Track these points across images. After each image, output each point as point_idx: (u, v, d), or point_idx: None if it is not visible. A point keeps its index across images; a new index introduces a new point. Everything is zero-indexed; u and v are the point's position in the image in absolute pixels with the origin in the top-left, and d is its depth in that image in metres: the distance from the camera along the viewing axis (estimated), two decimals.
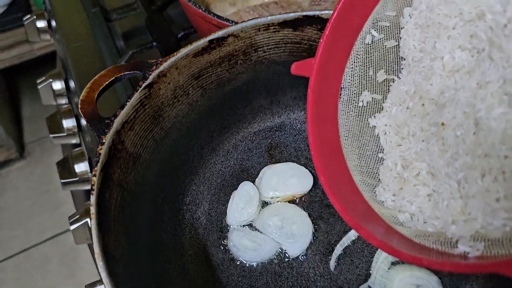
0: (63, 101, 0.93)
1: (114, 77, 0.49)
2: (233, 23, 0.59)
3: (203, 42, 0.52)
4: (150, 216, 0.48)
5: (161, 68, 0.49)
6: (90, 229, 0.68)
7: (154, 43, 0.77)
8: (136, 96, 0.47)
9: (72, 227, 0.68)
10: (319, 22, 0.54)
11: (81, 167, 0.77)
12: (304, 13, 0.54)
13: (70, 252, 1.91)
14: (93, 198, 0.40)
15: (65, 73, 0.93)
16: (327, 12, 0.53)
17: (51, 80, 0.90)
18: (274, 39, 0.55)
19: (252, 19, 0.53)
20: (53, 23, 0.98)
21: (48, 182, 2.09)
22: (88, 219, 0.68)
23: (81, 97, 0.47)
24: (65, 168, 0.78)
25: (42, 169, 2.13)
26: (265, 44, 0.55)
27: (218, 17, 0.61)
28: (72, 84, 0.87)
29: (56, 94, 0.91)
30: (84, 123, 0.79)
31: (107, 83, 0.48)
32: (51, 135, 0.85)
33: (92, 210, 0.39)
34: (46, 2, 1.02)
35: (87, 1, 0.89)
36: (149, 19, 0.81)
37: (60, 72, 0.92)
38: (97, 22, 0.86)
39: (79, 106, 0.46)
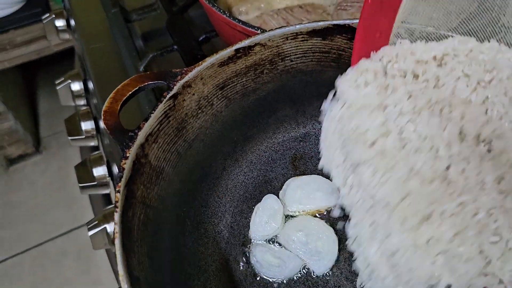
0: (82, 102, 0.92)
1: (137, 87, 0.47)
2: (259, 30, 0.58)
3: (229, 51, 0.50)
4: (172, 232, 0.47)
5: (186, 78, 0.48)
6: (108, 235, 0.67)
7: (175, 46, 0.76)
8: (161, 107, 0.45)
9: (90, 233, 0.67)
10: (349, 31, 0.52)
11: (99, 171, 0.76)
12: (334, 22, 0.52)
13: (86, 248, 1.91)
14: (117, 216, 0.38)
15: (84, 74, 0.92)
16: (357, 21, 0.51)
17: (69, 81, 0.89)
18: (302, 48, 0.53)
19: (280, 27, 0.51)
20: (72, 22, 0.97)
21: (64, 177, 2.09)
22: (106, 225, 0.67)
23: (104, 108, 0.45)
24: (83, 171, 0.77)
25: (58, 164, 2.13)
26: (292, 53, 0.53)
27: (243, 23, 0.59)
28: (90, 85, 0.86)
29: (75, 95, 0.90)
30: (103, 126, 0.77)
31: (130, 93, 0.47)
32: (69, 137, 0.84)
33: (116, 229, 0.37)
34: (65, 1, 1.01)
35: (107, 1, 0.88)
36: (170, 21, 0.79)
37: (78, 72, 0.91)
38: (117, 23, 0.84)
39: (102, 117, 0.45)
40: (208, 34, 0.76)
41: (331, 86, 0.57)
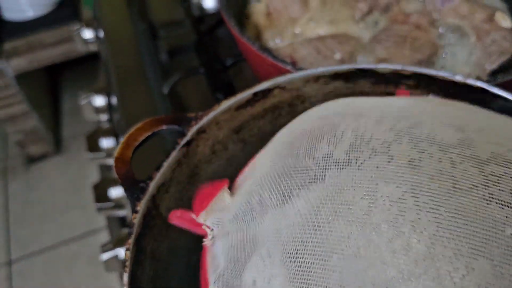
0: (105, 117, 0.92)
1: (151, 132, 0.46)
2: (289, 65, 0.56)
3: (247, 94, 0.48)
4: (181, 285, 0.46)
5: (201, 123, 0.46)
6: (123, 261, 0.66)
7: (201, 70, 0.75)
8: (174, 155, 0.44)
9: (104, 256, 0.67)
10: (373, 76, 0.50)
11: (117, 192, 0.76)
12: (358, 66, 0.50)
13: (99, 253, 1.92)
14: (126, 277, 0.37)
15: (108, 88, 0.91)
16: (383, 66, 0.49)
17: (93, 95, 0.89)
18: (323, 91, 0.51)
19: (301, 70, 0.50)
20: (101, 34, 0.97)
21: (83, 179, 2.11)
22: (120, 249, 0.66)
23: (115, 154, 0.44)
24: (101, 191, 0.77)
25: (78, 165, 2.15)
26: (313, 95, 0.51)
27: (274, 57, 0.57)
28: (114, 100, 0.85)
29: (98, 110, 0.90)
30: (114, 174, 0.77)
31: (144, 138, 0.45)
32: (88, 154, 0.84)
33: None
34: (96, 12, 1.01)
35: (136, 15, 0.87)
36: (198, 42, 0.78)
37: (103, 87, 0.91)
38: (145, 39, 0.84)
39: (114, 164, 0.44)
40: (236, 59, 0.75)
41: None
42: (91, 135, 0.83)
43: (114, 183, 0.75)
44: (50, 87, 2.31)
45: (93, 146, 0.81)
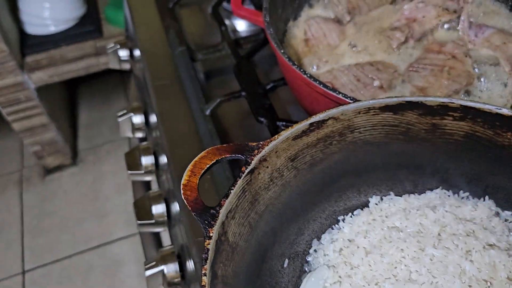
0: (140, 134, 0.94)
1: (215, 160, 0.48)
2: (340, 94, 0.59)
3: (304, 125, 0.51)
4: None
5: (263, 152, 0.49)
6: (165, 276, 0.68)
7: (243, 93, 0.77)
8: (240, 183, 0.47)
9: (148, 273, 0.69)
10: (421, 107, 0.52)
11: (158, 209, 0.78)
12: (408, 99, 0.52)
13: (113, 264, 1.95)
14: None
15: (144, 107, 0.94)
16: (431, 99, 0.52)
17: (132, 114, 0.92)
18: (372, 122, 0.54)
19: (354, 102, 0.52)
20: (136, 53, 1.00)
21: (98, 190, 2.14)
22: (164, 267, 0.68)
23: (183, 181, 0.47)
24: (142, 208, 0.79)
25: (94, 177, 2.18)
26: (362, 126, 0.54)
27: (324, 86, 0.60)
28: (152, 119, 0.88)
29: (135, 128, 0.92)
30: (163, 161, 0.79)
31: (208, 166, 0.48)
32: (129, 172, 0.86)
33: None
34: (130, 31, 1.04)
35: (174, 38, 0.90)
36: (237, 66, 0.81)
37: (140, 106, 0.94)
38: (183, 61, 0.86)
39: (182, 191, 0.46)
40: (275, 83, 0.78)
41: (396, 157, 0.57)
42: (129, 153, 0.86)
43: (155, 200, 0.77)
44: (68, 100, 2.34)
45: (132, 164, 0.84)
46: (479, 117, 0.51)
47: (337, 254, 0.55)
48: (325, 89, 0.59)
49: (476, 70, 0.73)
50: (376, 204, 0.59)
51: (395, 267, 0.50)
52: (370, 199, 0.60)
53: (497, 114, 0.50)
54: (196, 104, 0.80)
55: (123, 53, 1.02)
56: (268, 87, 0.77)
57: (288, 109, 0.80)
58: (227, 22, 0.99)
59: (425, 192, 0.59)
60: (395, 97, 0.52)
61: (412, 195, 0.58)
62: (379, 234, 0.54)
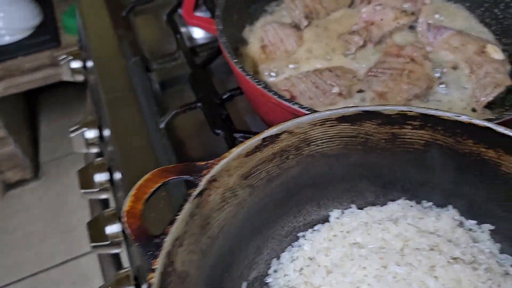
0: (95, 150, 0.90)
1: (161, 183, 0.45)
2: (296, 105, 0.56)
3: (256, 140, 0.48)
4: None
5: (213, 172, 0.45)
6: None
7: (198, 104, 0.74)
8: (187, 207, 0.43)
9: None
10: (379, 117, 0.50)
11: (113, 229, 0.74)
12: (365, 109, 0.50)
13: (80, 279, 1.88)
14: None
15: (99, 120, 0.90)
16: (389, 108, 0.50)
17: (85, 128, 0.87)
18: (329, 133, 0.51)
19: (309, 113, 0.50)
20: (89, 64, 0.95)
21: (62, 205, 2.06)
22: None
23: (125, 208, 0.43)
24: (96, 230, 0.75)
25: (57, 191, 2.10)
26: (319, 138, 0.51)
27: (279, 96, 0.57)
28: (106, 133, 0.84)
29: (89, 143, 0.88)
30: (117, 177, 0.75)
31: (153, 189, 0.44)
32: (82, 190, 0.82)
33: None
34: (83, 41, 1.00)
35: (128, 48, 0.86)
36: (193, 75, 0.77)
37: (94, 120, 0.89)
38: (137, 72, 0.82)
39: (124, 218, 0.42)
40: (232, 92, 0.75)
41: (356, 168, 0.55)
42: (82, 170, 0.81)
43: (109, 220, 0.73)
44: (28, 112, 2.26)
45: (85, 182, 0.79)
46: (439, 125, 0.49)
47: (297, 274, 0.52)
48: (280, 100, 0.56)
49: (436, 74, 0.71)
50: (337, 218, 0.56)
51: (358, 287, 0.48)
52: (330, 213, 0.57)
53: (456, 121, 0.48)
54: (151, 116, 0.76)
55: (76, 65, 0.97)
56: (225, 96, 0.74)
57: (246, 119, 0.77)
58: (183, 29, 0.95)
59: (387, 204, 0.56)
60: (352, 107, 0.50)
61: (374, 208, 0.56)
62: (341, 251, 0.51)
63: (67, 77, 0.99)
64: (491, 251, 0.52)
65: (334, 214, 0.57)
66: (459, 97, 0.69)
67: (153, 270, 0.39)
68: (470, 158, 0.50)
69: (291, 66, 0.74)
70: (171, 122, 0.75)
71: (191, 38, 0.96)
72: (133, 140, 0.75)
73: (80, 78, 0.99)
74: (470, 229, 0.54)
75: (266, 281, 0.54)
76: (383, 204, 0.57)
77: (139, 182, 0.45)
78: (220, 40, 0.65)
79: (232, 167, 0.47)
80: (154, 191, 0.44)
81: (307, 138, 0.51)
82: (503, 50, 0.75)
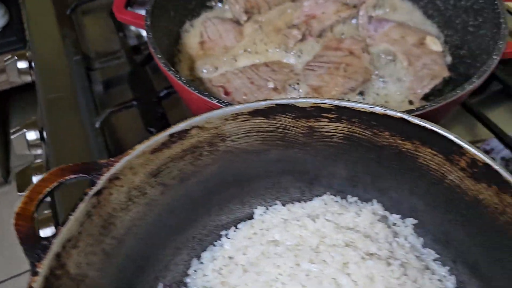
0: (38, 151, 0.88)
1: (57, 182, 0.43)
2: (215, 100, 0.54)
3: (162, 136, 0.46)
4: None
5: (113, 170, 0.44)
6: None
7: (134, 102, 0.72)
8: (82, 208, 0.41)
9: None
10: (294, 110, 0.48)
11: (46, 233, 0.72)
12: (277, 102, 0.48)
13: None
14: None
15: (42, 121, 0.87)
16: (302, 100, 0.48)
17: (25, 130, 0.85)
18: (244, 128, 0.50)
19: (219, 109, 0.48)
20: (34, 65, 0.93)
21: None
22: None
23: (17, 210, 0.41)
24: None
25: None
26: (233, 133, 0.50)
27: (200, 92, 0.56)
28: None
29: (30, 145, 0.85)
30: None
31: (49, 190, 0.43)
32: (18, 193, 0.79)
33: None
34: (29, 43, 0.97)
35: (70, 47, 0.84)
36: (132, 74, 0.76)
37: (35, 121, 0.87)
38: (78, 71, 0.81)
39: (14, 220, 0.40)
40: (169, 89, 0.73)
41: (278, 164, 0.53)
42: (21, 172, 0.79)
43: (43, 224, 0.71)
44: None
45: (23, 184, 0.77)
46: (354, 117, 0.48)
47: (216, 274, 0.51)
48: (198, 95, 0.55)
49: (374, 66, 0.70)
50: (261, 215, 0.54)
51: (271, 286, 0.46)
52: (255, 210, 0.56)
53: (371, 113, 0.47)
54: (88, 116, 0.74)
55: (22, 65, 0.95)
56: (162, 94, 0.72)
57: (184, 117, 0.75)
58: (133, 27, 0.93)
59: (312, 200, 0.55)
60: (265, 100, 0.48)
61: (297, 204, 0.55)
62: (258, 249, 0.50)
63: (13, 78, 0.96)
64: (413, 246, 0.50)
65: (258, 211, 0.55)
66: (396, 90, 0.68)
67: (36, 274, 0.37)
68: (389, 150, 0.49)
69: (228, 61, 0.72)
70: (108, 121, 0.73)
71: (139, 36, 0.94)
72: (69, 140, 0.73)
73: (27, 78, 0.96)
74: (395, 224, 0.52)
75: (186, 281, 0.52)
76: (308, 200, 0.55)
77: (35, 183, 0.43)
78: (147, 35, 0.63)
79: (136, 165, 0.45)
80: (50, 191, 0.42)
81: (220, 134, 0.49)
82: (446, 42, 0.74)
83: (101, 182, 0.43)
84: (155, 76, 0.79)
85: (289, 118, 0.49)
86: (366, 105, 0.47)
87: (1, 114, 2.24)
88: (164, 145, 0.46)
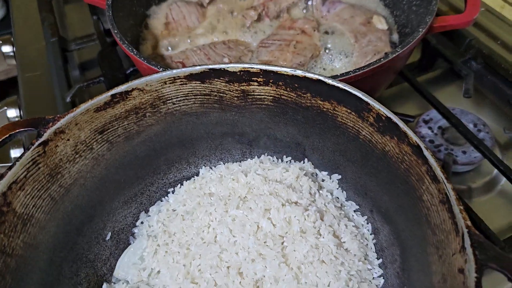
0: None
1: (8, 135, 0.48)
2: (160, 68, 0.59)
3: (104, 96, 0.51)
4: (44, 279, 0.48)
5: (58, 124, 0.49)
6: None
7: (102, 78, 0.78)
8: (28, 155, 0.47)
9: None
10: (226, 75, 0.54)
11: None
12: (210, 66, 0.53)
13: None
14: None
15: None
16: (232, 65, 0.53)
17: (5, 107, 0.90)
18: (183, 91, 0.55)
19: (157, 73, 0.53)
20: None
21: None
22: None
23: None
24: None
25: None
26: (173, 96, 0.55)
27: (148, 61, 0.61)
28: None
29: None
30: None
31: (0, 140, 0.48)
32: None
33: None
34: (12, 28, 1.03)
35: (47, 30, 0.90)
36: (101, 53, 0.81)
37: (15, 100, 0.93)
38: (54, 52, 0.86)
39: None
40: (135, 67, 0.78)
41: (218, 126, 0.59)
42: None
43: None
44: None
45: (2, 157, 0.83)
46: (279, 80, 0.53)
47: (160, 224, 0.56)
48: (145, 63, 0.60)
49: (323, 43, 0.75)
50: (203, 174, 0.60)
51: (203, 231, 0.51)
52: (200, 169, 0.61)
53: (293, 76, 0.52)
54: (59, 94, 0.80)
55: (7, 49, 1.01)
56: (128, 71, 0.78)
57: None
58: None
59: (252, 159, 0.60)
60: (200, 65, 0.53)
61: (236, 163, 0.60)
62: (195, 200, 0.55)
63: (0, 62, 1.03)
64: (337, 198, 0.55)
65: (203, 170, 0.60)
66: (342, 65, 0.73)
67: None
68: (313, 111, 0.54)
69: (190, 41, 0.78)
70: (78, 96, 0.79)
71: None
72: (42, 113, 0.79)
73: (12, 62, 1.02)
74: (323, 180, 0.57)
75: (134, 232, 0.57)
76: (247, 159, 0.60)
77: None
78: (107, 13, 0.69)
79: (82, 121, 0.51)
80: (1, 141, 0.48)
81: (161, 96, 0.54)
82: (395, 22, 0.79)
83: (46, 134, 0.48)
84: (126, 57, 0.84)
85: (223, 82, 0.54)
86: (288, 69, 0.52)
87: None
88: (107, 104, 0.52)
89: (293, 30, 0.76)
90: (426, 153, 0.43)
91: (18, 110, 0.90)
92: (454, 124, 0.68)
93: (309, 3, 0.82)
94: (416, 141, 0.44)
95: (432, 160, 0.43)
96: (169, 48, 0.77)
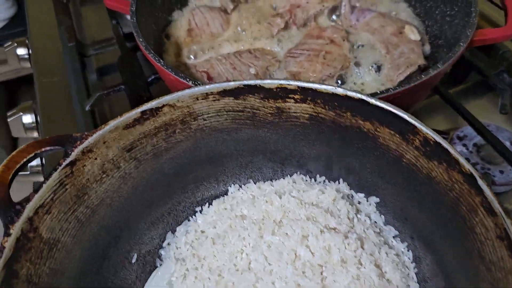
0: (35, 134, 0.91)
1: (33, 153, 0.46)
2: (189, 80, 0.57)
3: (134, 113, 0.49)
4: None
5: (86, 143, 0.46)
6: None
7: (123, 86, 0.75)
8: (55, 176, 0.44)
9: None
10: (261, 91, 0.51)
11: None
12: (245, 82, 0.51)
13: None
14: None
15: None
16: (269, 81, 0.50)
17: (21, 113, 0.88)
18: (215, 107, 0.52)
19: (189, 88, 0.50)
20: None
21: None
22: None
23: None
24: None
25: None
26: (205, 112, 0.52)
27: (175, 72, 0.58)
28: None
29: (26, 128, 0.89)
30: None
31: (25, 160, 0.45)
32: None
33: None
34: (28, 31, 1.01)
35: (64, 33, 0.88)
36: (121, 59, 0.79)
37: (31, 105, 0.90)
38: (71, 57, 0.84)
39: None
40: (158, 75, 0.76)
41: (249, 143, 0.56)
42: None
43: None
44: (6, 105, 2.27)
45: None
46: (318, 98, 0.50)
47: (188, 246, 0.53)
48: (173, 75, 0.58)
49: (353, 54, 0.72)
50: (232, 193, 0.57)
51: (236, 257, 0.49)
52: (229, 188, 0.58)
53: (333, 94, 0.49)
54: (80, 100, 0.77)
55: (22, 51, 0.99)
56: (150, 79, 0.75)
57: None
58: (128, 16, 0.96)
59: (282, 179, 0.57)
60: (234, 81, 0.51)
61: (267, 182, 0.57)
62: (226, 223, 0.52)
63: (14, 64, 1.00)
64: (375, 223, 0.53)
65: (232, 189, 0.58)
66: (373, 78, 0.70)
67: (8, 235, 0.40)
68: (352, 131, 0.51)
69: (214, 48, 0.75)
70: (96, 105, 0.76)
71: None
72: (60, 121, 0.76)
73: (27, 65, 1.00)
74: (359, 202, 0.55)
75: (161, 254, 0.55)
76: (280, 179, 0.58)
77: (12, 154, 0.46)
78: (131, 20, 0.66)
79: (110, 139, 0.48)
80: (27, 161, 0.45)
81: (192, 112, 0.52)
82: (426, 32, 0.76)
83: (74, 153, 0.46)
84: (146, 63, 0.82)
85: (257, 98, 0.52)
86: (328, 87, 0.49)
87: (10, 104, 2.29)
88: (137, 121, 0.49)
89: (321, 39, 0.73)
90: (481, 183, 0.41)
91: (33, 116, 0.87)
92: (490, 141, 0.65)
93: (341, 11, 0.79)
94: (469, 169, 0.42)
95: (488, 191, 0.40)
96: (192, 57, 0.74)
